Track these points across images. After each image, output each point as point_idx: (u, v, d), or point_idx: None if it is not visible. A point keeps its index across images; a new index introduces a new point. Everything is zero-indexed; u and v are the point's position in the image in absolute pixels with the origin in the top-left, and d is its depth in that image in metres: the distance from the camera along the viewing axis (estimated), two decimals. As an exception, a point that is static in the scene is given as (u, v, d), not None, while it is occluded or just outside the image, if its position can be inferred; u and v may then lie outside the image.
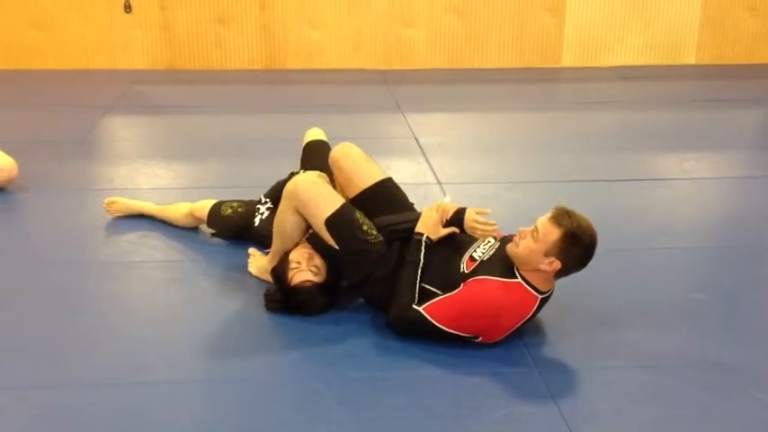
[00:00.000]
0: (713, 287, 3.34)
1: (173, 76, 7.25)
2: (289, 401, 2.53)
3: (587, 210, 2.80)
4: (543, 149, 5.25)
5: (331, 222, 2.93)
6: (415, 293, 2.82)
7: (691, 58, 7.87)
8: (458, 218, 2.95)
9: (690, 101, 6.69)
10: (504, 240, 2.89)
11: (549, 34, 7.69)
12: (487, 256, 2.85)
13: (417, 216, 3.02)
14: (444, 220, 2.96)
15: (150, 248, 3.63)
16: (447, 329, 2.76)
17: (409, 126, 5.64)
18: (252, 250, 3.44)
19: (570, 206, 2.76)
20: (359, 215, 2.99)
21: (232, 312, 3.07)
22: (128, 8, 7.28)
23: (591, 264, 2.76)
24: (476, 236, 2.93)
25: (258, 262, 3.35)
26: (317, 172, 3.39)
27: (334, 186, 3.28)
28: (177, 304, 3.16)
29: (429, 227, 2.94)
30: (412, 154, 5.04)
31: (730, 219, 4.17)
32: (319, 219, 2.95)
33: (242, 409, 2.49)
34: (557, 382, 2.64)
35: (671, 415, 2.48)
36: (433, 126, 5.75)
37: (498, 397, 2.57)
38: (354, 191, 3.23)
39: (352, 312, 3.07)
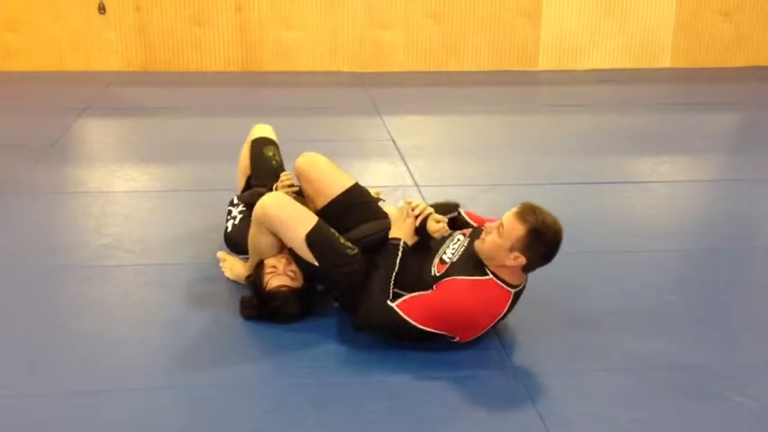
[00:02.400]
0: (690, 289, 3.35)
1: (148, 78, 7.20)
2: (266, 407, 2.51)
3: (564, 212, 2.81)
4: (520, 152, 5.27)
5: (310, 239, 2.90)
6: (388, 296, 2.80)
7: (665, 62, 7.95)
8: (424, 230, 2.93)
9: (665, 104, 6.74)
10: (473, 236, 2.89)
11: (525, 37, 7.72)
12: (457, 257, 2.84)
13: (388, 224, 3.01)
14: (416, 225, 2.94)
15: (125, 252, 3.59)
16: (421, 327, 2.73)
17: (386, 128, 5.64)
18: (221, 254, 3.41)
19: (541, 204, 2.74)
20: (333, 230, 2.97)
21: (208, 317, 3.04)
22: (102, 9, 7.22)
23: (569, 266, 2.77)
24: (436, 236, 2.92)
25: (234, 266, 3.32)
26: (280, 192, 3.31)
27: (302, 196, 3.28)
28: (153, 309, 3.12)
29: (405, 233, 2.92)
30: (389, 156, 5.04)
31: (706, 221, 4.20)
32: (296, 238, 2.91)
33: (218, 415, 2.46)
34: (535, 385, 2.64)
35: (649, 419, 2.48)
36: (410, 128, 5.75)
37: (477, 401, 2.57)
38: (324, 200, 3.19)
39: (330, 317, 3.04)
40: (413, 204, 2.95)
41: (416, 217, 2.93)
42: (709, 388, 2.63)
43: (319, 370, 2.71)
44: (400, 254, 2.86)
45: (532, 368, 2.75)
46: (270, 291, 2.98)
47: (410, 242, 2.91)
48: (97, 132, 5.74)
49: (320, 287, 3.10)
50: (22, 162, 4.76)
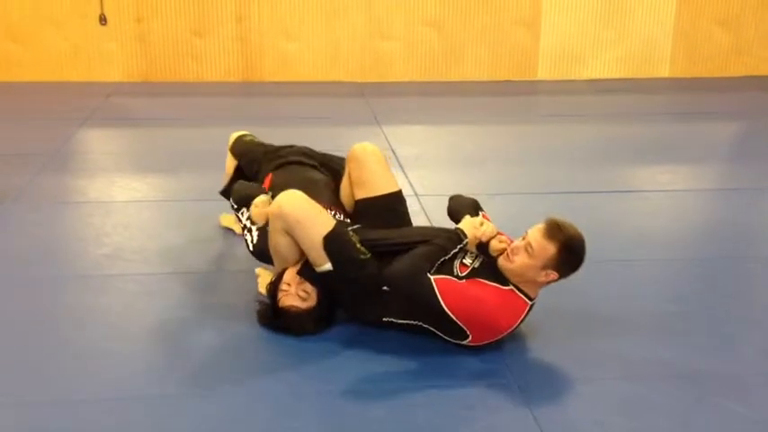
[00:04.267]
0: (690, 298, 3.36)
1: (148, 89, 7.22)
2: (268, 417, 2.51)
3: (565, 222, 2.82)
4: (520, 162, 5.28)
5: (328, 242, 2.89)
6: (432, 268, 2.81)
7: (664, 72, 7.96)
8: (482, 246, 2.98)
9: (664, 114, 6.75)
10: (484, 255, 2.94)
11: (524, 48, 7.75)
12: (477, 265, 2.90)
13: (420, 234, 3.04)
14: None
15: (126, 261, 3.60)
16: (445, 309, 2.74)
17: (386, 138, 5.65)
18: (258, 270, 3.38)
19: (562, 217, 2.81)
20: (351, 233, 2.97)
21: (209, 327, 3.05)
22: (103, 20, 7.25)
23: (570, 277, 2.80)
24: (494, 254, 2.93)
25: (266, 281, 3.26)
26: (296, 191, 3.27)
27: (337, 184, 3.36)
28: (153, 318, 3.13)
29: (471, 236, 2.94)
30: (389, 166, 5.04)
31: (706, 231, 4.21)
32: (312, 239, 2.89)
33: (219, 425, 2.47)
34: (536, 394, 2.64)
35: (650, 427, 2.49)
36: (410, 138, 5.76)
37: (477, 409, 2.57)
38: (365, 193, 3.24)
39: (333, 325, 3.04)
40: (483, 229, 2.96)
41: (482, 238, 2.96)
42: (708, 397, 2.64)
43: (321, 378, 2.72)
44: (459, 247, 2.90)
45: (533, 377, 2.76)
46: (281, 308, 2.98)
47: (470, 247, 2.96)
48: (98, 142, 5.75)
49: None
50: (23, 172, 4.77)
